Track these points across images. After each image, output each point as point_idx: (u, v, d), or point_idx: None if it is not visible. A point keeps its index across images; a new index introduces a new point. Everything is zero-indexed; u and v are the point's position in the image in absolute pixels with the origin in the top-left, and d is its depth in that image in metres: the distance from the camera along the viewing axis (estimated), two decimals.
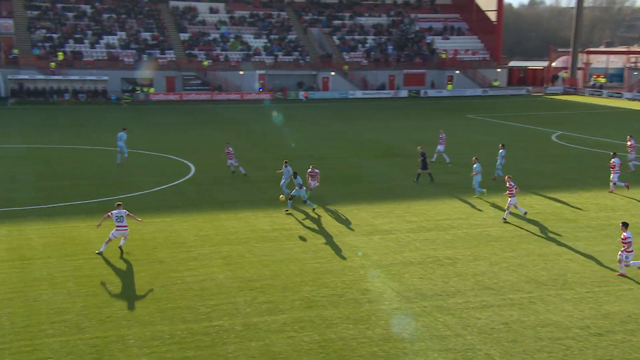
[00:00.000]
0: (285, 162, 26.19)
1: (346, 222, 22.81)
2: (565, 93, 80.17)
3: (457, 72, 79.30)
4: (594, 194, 27.14)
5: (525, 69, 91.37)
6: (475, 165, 26.38)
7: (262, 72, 73.98)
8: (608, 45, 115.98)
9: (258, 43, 77.81)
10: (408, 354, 13.38)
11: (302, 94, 72.78)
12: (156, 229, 21.58)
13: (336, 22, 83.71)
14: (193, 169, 32.05)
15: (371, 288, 16.86)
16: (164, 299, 15.92)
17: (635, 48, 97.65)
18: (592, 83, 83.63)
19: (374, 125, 49.70)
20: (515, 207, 23.27)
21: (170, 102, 67.53)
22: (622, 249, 17.69)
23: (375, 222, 22.92)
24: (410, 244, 20.49)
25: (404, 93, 76.44)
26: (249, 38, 78.17)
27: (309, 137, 43.61)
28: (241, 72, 73.29)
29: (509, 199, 23.20)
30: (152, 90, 69.71)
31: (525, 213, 23.45)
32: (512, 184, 23.19)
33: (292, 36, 79.90)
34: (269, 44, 77.67)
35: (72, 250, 19.45)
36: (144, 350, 13.32)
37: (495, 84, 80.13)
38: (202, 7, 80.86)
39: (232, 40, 76.91)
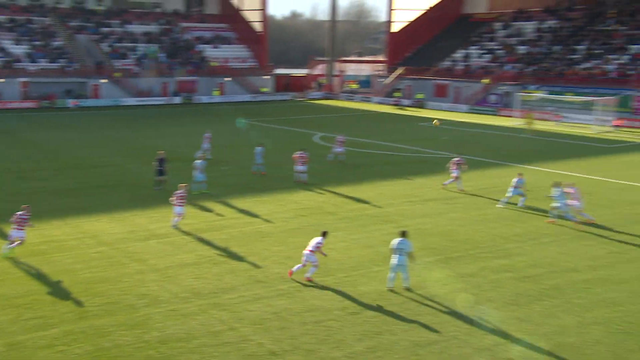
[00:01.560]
0: None
1: (122, 229, 21.92)
2: (324, 98, 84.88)
3: (228, 79, 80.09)
4: (351, 188, 29.09)
5: (289, 76, 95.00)
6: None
7: (25, 79, 68.10)
8: (358, 55, 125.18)
9: (18, 50, 71.42)
10: (184, 352, 13.27)
11: (70, 102, 68.32)
12: None
13: (105, 29, 79.85)
14: None
15: (148, 292, 16.41)
16: None
17: (380, 58, 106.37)
18: (346, 89, 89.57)
19: (150, 132, 48.34)
20: None
21: None
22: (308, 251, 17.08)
23: (151, 227, 22.33)
24: (186, 246, 20.30)
25: (177, 100, 75.36)
26: (7, 44, 71.39)
27: (83, 145, 41.09)
28: (2, 80, 66.73)
29: None
30: None
31: None
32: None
33: (57, 43, 74.56)
34: (31, 51, 71.65)
35: None
36: None
37: (264, 90, 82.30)
38: None
39: None
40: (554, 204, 23.10)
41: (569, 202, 22.87)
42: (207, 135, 36.25)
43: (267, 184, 29.69)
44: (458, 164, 28.09)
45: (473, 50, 75.76)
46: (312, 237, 21.18)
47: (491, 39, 75.89)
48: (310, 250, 17.14)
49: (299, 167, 29.59)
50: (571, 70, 61.26)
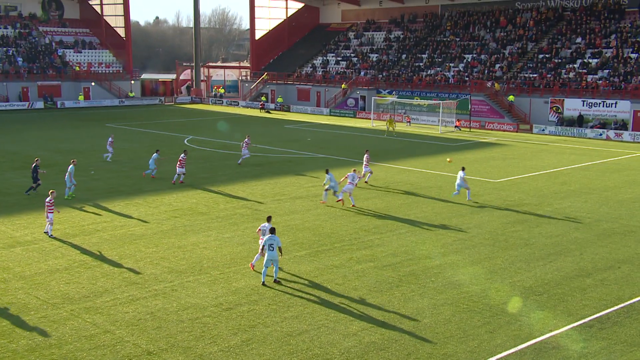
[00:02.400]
0: None
1: None
2: (192, 102, 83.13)
3: (93, 84, 76.03)
4: (222, 188, 28.70)
5: (156, 81, 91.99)
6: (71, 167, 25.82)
7: None
8: (224, 60, 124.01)
9: None
10: (56, 359, 12.39)
11: None
12: None
13: None
14: None
15: (14, 301, 15.16)
16: None
17: (245, 64, 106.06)
18: (214, 93, 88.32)
19: (11, 138, 44.71)
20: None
21: None
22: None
23: (16, 234, 20.67)
24: (56, 252, 19.01)
25: (39, 104, 70.35)
26: None
27: None
28: None
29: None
30: None
31: None
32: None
33: None
34: None
35: None
36: None
37: (131, 95, 79.00)
38: None
39: None
40: (327, 186, 25.34)
41: (347, 184, 25.19)
42: (110, 141, 35.55)
43: (138, 186, 28.55)
44: (354, 173, 25.88)
45: (331, 58, 77.65)
46: (185, 238, 20.66)
47: (346, 47, 78.21)
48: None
49: (179, 169, 29.23)
50: (417, 76, 64.62)
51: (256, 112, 70.39)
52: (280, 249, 16.55)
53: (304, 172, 32.94)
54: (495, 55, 62.52)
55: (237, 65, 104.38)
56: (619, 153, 37.95)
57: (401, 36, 73.75)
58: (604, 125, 50.17)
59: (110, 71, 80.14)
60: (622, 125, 49.13)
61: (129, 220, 22.90)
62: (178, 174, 29.43)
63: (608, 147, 43.72)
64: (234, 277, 17.26)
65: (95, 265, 17.88)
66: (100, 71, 78.76)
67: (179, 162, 29.26)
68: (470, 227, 22.63)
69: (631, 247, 20.22)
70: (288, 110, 71.94)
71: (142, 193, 27.09)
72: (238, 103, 78.89)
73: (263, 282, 16.65)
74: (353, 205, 25.19)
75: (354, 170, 26.42)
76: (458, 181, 26.52)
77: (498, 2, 68.21)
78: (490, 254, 19.52)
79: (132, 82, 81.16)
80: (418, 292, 16.33)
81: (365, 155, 30.46)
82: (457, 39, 67.64)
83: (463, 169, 27.09)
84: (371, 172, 30.18)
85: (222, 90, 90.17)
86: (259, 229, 17.76)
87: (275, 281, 16.75)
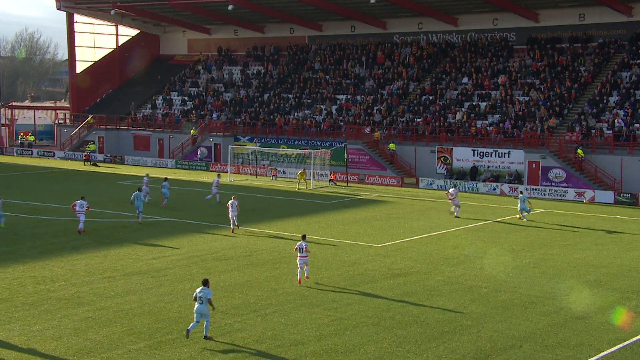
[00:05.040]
0: None
1: None
2: None
3: None
4: (28, 266, 27.17)
5: None
6: None
7: None
8: (34, 99, 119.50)
9: None
10: None
11: None
12: None
13: None
14: None
15: None
16: None
17: (63, 104, 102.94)
18: (20, 141, 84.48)
19: None
20: None
21: None
22: None
23: None
24: None
25: None
26: None
27: None
28: None
29: None
30: None
31: None
32: None
33: None
34: None
35: None
36: None
37: None
38: None
39: None
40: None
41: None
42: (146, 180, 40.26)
43: None
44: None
45: (175, 97, 77.54)
46: None
47: (194, 84, 78.59)
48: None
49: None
50: (282, 119, 66.13)
51: (79, 165, 68.11)
52: (210, 302, 19.17)
53: (143, 241, 32.11)
54: (373, 96, 65.67)
55: (52, 105, 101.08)
56: (515, 210, 40.87)
57: (262, 71, 75.47)
58: (497, 178, 53.95)
59: None
60: (517, 177, 53.11)
61: None
62: None
63: (503, 203, 46.93)
64: None
65: None
66: None
67: None
68: (351, 302, 23.08)
69: (533, 322, 21.58)
70: (121, 162, 70.39)
71: None
72: (54, 154, 76.01)
73: (188, 333, 19.13)
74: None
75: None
76: None
77: (373, 34, 72.13)
78: (374, 336, 19.97)
79: None
80: None
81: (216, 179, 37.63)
82: (328, 77, 70.40)
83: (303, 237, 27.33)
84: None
85: (31, 138, 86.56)
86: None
87: (205, 337, 19.17)
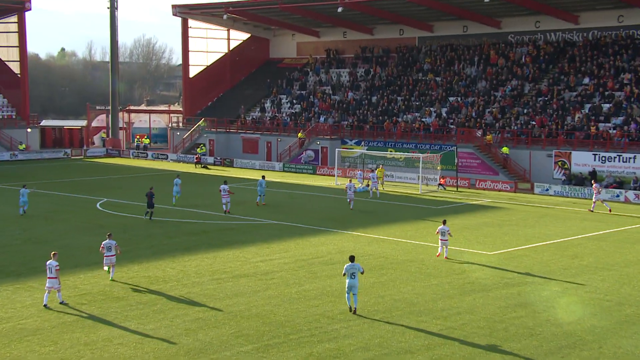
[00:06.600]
0: None
1: None
2: (108, 155, 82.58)
3: None
4: (144, 266, 28.18)
5: (61, 128, 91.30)
6: None
7: None
8: (150, 103, 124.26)
9: None
10: None
11: None
12: None
13: None
14: None
15: None
16: None
17: (176, 107, 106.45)
18: (136, 144, 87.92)
19: None
20: None
21: None
22: None
23: None
24: None
25: None
26: None
27: None
28: None
29: None
30: None
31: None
32: None
33: None
34: None
35: None
36: None
37: (21, 147, 77.34)
38: None
39: None
40: None
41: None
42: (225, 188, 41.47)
43: (32, 264, 27.80)
44: None
45: (284, 100, 78.69)
46: (94, 332, 20.07)
47: (302, 87, 79.49)
48: None
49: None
50: (389, 122, 65.79)
51: (190, 168, 70.25)
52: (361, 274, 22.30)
53: (250, 243, 32.67)
54: (485, 98, 64.37)
55: (167, 109, 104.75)
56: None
57: (370, 74, 75.47)
58: (620, 184, 51.64)
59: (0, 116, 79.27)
60: None
61: (18, 309, 22.17)
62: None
63: (627, 211, 44.91)
64: None
65: None
66: None
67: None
68: (461, 312, 22.64)
69: None
70: (230, 165, 72.07)
71: (36, 273, 26.34)
72: (167, 156, 78.72)
73: (351, 308, 22.14)
74: None
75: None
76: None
77: (487, 34, 70.78)
78: (486, 347, 19.49)
79: (29, 130, 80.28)
80: None
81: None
82: (438, 78, 69.57)
83: (444, 222, 30.17)
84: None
85: (146, 141, 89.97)
86: None
87: (353, 311, 22.08)
